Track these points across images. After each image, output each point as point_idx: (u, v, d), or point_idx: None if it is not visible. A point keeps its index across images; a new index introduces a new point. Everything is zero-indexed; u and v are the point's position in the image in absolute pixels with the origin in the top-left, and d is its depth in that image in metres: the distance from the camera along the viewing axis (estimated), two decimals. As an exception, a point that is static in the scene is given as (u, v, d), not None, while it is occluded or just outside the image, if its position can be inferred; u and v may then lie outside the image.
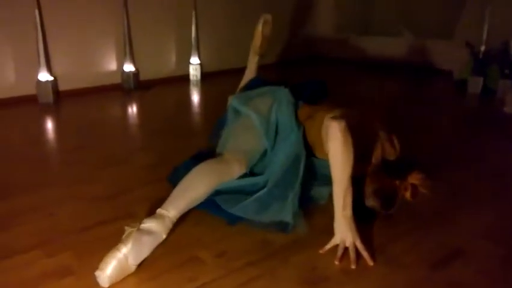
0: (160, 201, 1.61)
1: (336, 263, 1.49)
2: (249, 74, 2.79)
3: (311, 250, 1.57)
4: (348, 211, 1.58)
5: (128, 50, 4.22)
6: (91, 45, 4.09)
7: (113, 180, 2.17)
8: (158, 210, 1.58)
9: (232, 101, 2.16)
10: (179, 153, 2.39)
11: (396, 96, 4.16)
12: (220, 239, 1.64)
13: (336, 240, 1.57)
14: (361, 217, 1.63)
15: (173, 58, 4.79)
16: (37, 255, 1.52)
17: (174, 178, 1.96)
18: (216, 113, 2.58)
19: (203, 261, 1.50)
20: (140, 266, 1.44)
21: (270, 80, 2.53)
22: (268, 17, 2.57)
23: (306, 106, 2.08)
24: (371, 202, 1.74)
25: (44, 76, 3.67)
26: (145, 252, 1.45)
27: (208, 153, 2.09)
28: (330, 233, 1.58)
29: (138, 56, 4.36)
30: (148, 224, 1.49)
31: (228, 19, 5.15)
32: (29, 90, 3.68)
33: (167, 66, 4.77)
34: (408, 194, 1.72)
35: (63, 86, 3.91)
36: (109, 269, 1.34)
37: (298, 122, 2.02)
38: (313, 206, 1.87)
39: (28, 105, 3.62)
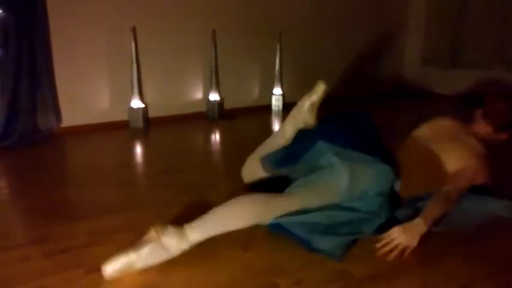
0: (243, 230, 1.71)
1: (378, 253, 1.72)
2: (281, 139, 2.37)
3: (386, 284, 1.58)
4: (427, 222, 1.75)
5: (214, 80, 4.46)
6: (180, 75, 4.39)
7: (195, 205, 2.30)
8: (186, 228, 1.67)
9: (328, 149, 1.98)
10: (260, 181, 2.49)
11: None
12: (299, 267, 1.69)
13: (399, 237, 1.72)
14: None
15: (256, 88, 4.99)
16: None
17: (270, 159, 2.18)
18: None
19: (280, 287, 1.56)
20: (218, 285, 1.55)
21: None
22: (322, 88, 2.40)
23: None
24: None
25: (136, 103, 3.99)
26: (154, 263, 1.61)
27: (309, 134, 2.18)
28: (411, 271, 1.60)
29: (223, 85, 4.60)
30: (168, 241, 1.61)
31: (310, 51, 5.29)
32: (122, 116, 4.02)
33: (251, 96, 4.98)
34: None
35: (153, 113, 4.22)
36: (116, 266, 1.56)
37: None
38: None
39: (120, 130, 3.94)
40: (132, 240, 1.67)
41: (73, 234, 1.94)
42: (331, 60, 5.51)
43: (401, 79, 6.26)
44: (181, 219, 2.10)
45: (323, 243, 1.79)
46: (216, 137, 4.05)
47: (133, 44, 3.89)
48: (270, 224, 1.85)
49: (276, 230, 1.86)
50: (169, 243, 1.61)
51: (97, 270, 1.60)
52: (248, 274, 1.64)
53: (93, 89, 3.89)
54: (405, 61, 6.32)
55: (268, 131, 4.31)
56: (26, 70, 3.38)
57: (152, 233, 1.62)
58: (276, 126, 4.50)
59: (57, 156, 3.33)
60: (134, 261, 1.57)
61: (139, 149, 3.61)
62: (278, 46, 4.87)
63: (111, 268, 1.55)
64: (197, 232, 1.67)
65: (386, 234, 1.77)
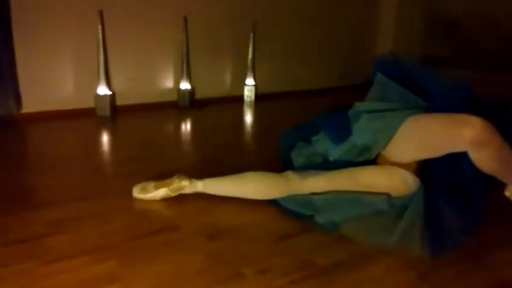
0: (209, 217, 1.71)
1: None
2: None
3: (356, 273, 1.61)
4: None
5: (185, 69, 4.42)
6: (150, 62, 4.32)
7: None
8: (199, 184, 2.15)
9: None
10: (230, 170, 2.49)
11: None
12: (266, 256, 1.70)
13: None
14: None
15: (228, 78, 4.96)
16: (85, 261, 1.62)
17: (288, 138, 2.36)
18: (267, 134, 2.66)
19: (246, 277, 1.56)
20: (186, 277, 1.54)
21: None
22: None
23: None
24: None
25: (102, 90, 3.92)
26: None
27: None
28: (375, 258, 1.62)
29: (194, 74, 4.56)
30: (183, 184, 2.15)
31: (284, 43, 5.29)
32: (88, 103, 3.94)
33: (223, 86, 4.95)
34: None
35: (121, 101, 4.14)
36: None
37: None
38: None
39: (86, 117, 3.86)
40: (95, 228, 1.64)
41: (31, 223, 1.90)
42: (305, 51, 5.52)
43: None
44: (149, 207, 2.10)
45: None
46: (187, 126, 4.02)
47: (99, 28, 3.79)
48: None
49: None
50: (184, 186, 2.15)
51: (54, 261, 1.58)
52: (214, 263, 1.63)
53: (57, 74, 3.79)
54: (377, 53, 6.40)
55: (239, 121, 4.32)
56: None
57: (175, 179, 2.15)
58: (248, 117, 4.51)
59: (17, 143, 3.23)
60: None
61: (105, 137, 3.56)
62: (251, 36, 4.85)
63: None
64: (207, 189, 2.15)
65: None
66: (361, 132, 1.94)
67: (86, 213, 2.01)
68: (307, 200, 2.03)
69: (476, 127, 1.61)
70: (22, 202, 2.11)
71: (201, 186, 2.16)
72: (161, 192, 2.14)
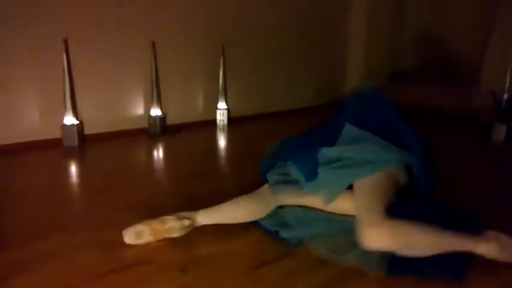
0: (182, 247, 1.63)
1: None
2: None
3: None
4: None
5: (156, 95, 4.36)
6: (118, 89, 4.25)
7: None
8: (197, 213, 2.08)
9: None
10: (205, 198, 2.42)
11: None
12: (241, 286, 1.63)
13: None
14: None
15: (200, 103, 4.92)
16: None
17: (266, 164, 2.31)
18: (242, 157, 2.62)
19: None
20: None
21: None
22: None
23: None
24: None
25: (69, 120, 3.82)
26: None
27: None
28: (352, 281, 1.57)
29: (165, 100, 4.50)
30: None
31: (254, 66, 5.30)
32: (54, 134, 3.82)
33: (195, 110, 4.90)
34: None
35: (89, 130, 4.05)
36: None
37: None
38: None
39: (53, 148, 3.75)
40: (62, 266, 1.54)
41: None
42: (275, 73, 5.53)
43: (343, 91, 6.45)
44: (117, 239, 2.01)
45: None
46: (159, 153, 3.94)
47: (64, 56, 3.72)
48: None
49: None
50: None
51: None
52: None
53: (21, 105, 3.68)
54: (347, 73, 6.53)
55: (213, 146, 4.26)
56: None
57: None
58: (221, 141, 4.45)
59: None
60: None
61: (73, 169, 3.44)
62: (221, 59, 4.83)
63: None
64: (203, 218, 2.08)
65: None
66: (321, 179, 1.99)
67: (51, 251, 1.90)
68: (275, 213, 2.12)
69: (374, 238, 1.70)
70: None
71: (200, 218, 2.09)
72: (160, 235, 1.99)
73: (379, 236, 1.68)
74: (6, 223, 2.25)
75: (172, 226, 1.99)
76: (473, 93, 5.03)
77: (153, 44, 4.27)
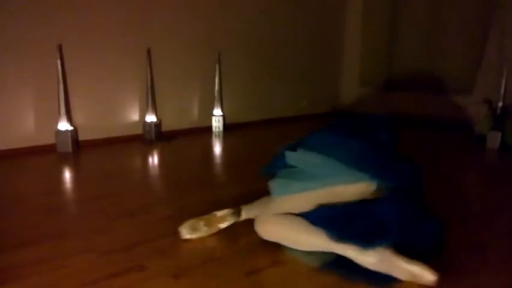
0: (175, 255, 1.61)
1: None
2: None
3: None
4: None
5: (151, 101, 4.35)
6: (113, 95, 4.24)
7: (128, 232, 2.17)
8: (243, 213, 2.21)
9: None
10: (200, 205, 2.41)
11: (418, 150, 4.17)
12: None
13: None
14: None
15: (195, 109, 4.91)
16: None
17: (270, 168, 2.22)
18: (237, 164, 2.61)
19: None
20: None
21: None
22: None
23: None
24: None
25: (63, 126, 3.80)
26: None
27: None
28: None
29: (160, 106, 4.49)
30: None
31: (250, 73, 5.30)
32: (49, 140, 3.80)
33: (190, 117, 4.89)
34: None
35: (83, 136, 4.03)
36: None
37: None
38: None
39: (47, 155, 3.73)
40: (53, 272, 1.51)
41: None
42: (270, 80, 5.53)
43: (339, 100, 6.47)
44: (111, 246, 1.99)
45: None
46: (153, 159, 3.92)
47: (59, 62, 3.71)
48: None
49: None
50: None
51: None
52: None
53: (16, 111, 3.67)
54: (343, 82, 6.55)
55: (208, 153, 4.25)
56: None
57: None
58: (216, 148, 4.44)
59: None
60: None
61: (67, 174, 3.42)
62: (217, 66, 4.83)
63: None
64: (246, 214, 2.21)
65: None
66: (272, 182, 2.07)
67: (42, 257, 1.87)
68: None
69: (258, 231, 2.00)
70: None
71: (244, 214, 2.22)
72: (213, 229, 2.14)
73: (261, 230, 1.99)
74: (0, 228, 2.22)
75: (223, 214, 2.16)
76: (467, 102, 5.06)
77: (148, 51, 4.26)
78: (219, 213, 2.16)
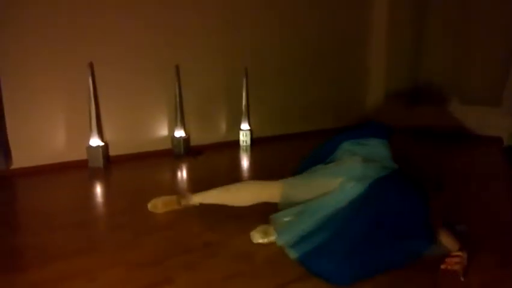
0: (201, 269, 1.60)
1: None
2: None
3: None
4: None
5: (179, 116, 4.40)
6: (143, 111, 4.30)
7: (157, 246, 2.19)
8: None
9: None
10: (228, 219, 2.41)
11: (446, 164, 4.08)
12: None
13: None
14: None
15: (223, 124, 4.94)
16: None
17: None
18: (265, 178, 2.59)
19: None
20: None
21: None
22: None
23: None
24: None
25: (95, 142, 3.88)
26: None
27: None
28: None
29: (189, 122, 4.53)
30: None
31: (277, 87, 5.31)
32: (80, 155, 3.89)
33: (218, 131, 4.92)
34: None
35: (114, 151, 4.10)
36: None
37: None
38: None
39: (79, 170, 3.80)
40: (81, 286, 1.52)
41: (15, 285, 1.79)
42: (298, 94, 5.53)
43: (364, 113, 6.42)
44: (139, 260, 2.00)
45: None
46: (182, 174, 3.94)
47: (90, 79, 3.80)
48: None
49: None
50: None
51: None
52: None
53: (48, 127, 3.76)
54: (368, 96, 6.51)
55: (236, 167, 4.24)
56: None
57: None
58: (244, 162, 4.44)
59: (5, 200, 3.14)
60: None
61: (98, 190, 3.47)
62: (244, 81, 4.86)
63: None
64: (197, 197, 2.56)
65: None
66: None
67: (72, 272, 1.91)
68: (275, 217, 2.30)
69: None
70: (7, 262, 2.02)
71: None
72: None
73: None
74: (31, 244, 2.27)
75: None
76: (496, 113, 4.97)
77: (177, 67, 4.32)
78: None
